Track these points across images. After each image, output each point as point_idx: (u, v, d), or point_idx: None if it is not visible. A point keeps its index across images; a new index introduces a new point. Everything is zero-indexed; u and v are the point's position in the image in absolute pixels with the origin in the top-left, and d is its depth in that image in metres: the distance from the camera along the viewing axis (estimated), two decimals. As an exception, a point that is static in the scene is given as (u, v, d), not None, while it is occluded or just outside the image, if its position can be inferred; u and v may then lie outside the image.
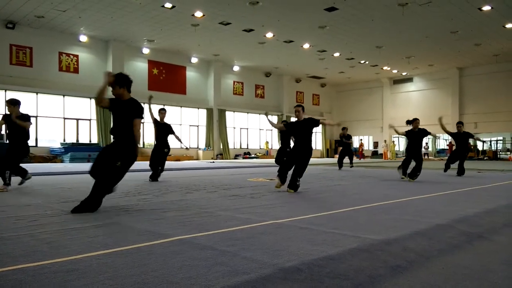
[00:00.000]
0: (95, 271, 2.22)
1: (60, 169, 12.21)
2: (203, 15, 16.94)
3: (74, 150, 18.31)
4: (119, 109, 4.46)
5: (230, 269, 2.26)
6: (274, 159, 11.53)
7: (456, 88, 28.44)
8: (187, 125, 24.84)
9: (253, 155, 27.65)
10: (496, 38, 20.66)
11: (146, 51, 22.20)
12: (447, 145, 28.58)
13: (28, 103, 18.49)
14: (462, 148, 10.14)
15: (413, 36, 20.18)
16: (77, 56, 20.23)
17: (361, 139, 31.87)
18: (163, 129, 8.33)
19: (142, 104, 4.71)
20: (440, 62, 26.42)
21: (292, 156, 6.42)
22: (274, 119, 29.44)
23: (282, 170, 6.41)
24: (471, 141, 10.54)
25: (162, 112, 8.35)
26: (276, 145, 30.17)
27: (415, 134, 8.78)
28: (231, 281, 2.07)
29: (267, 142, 29.56)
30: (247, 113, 28.55)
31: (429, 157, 31.22)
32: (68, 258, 2.48)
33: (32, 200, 5.28)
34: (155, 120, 8.29)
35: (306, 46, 21.89)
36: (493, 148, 29.72)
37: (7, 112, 6.45)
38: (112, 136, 4.48)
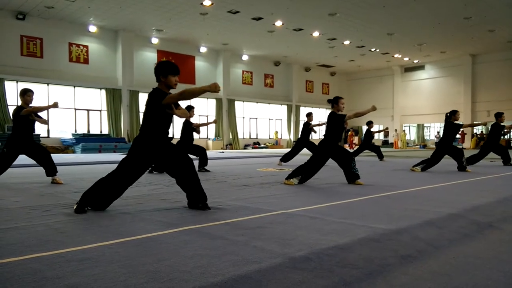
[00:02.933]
0: (108, 260, 2.26)
1: (72, 160, 12.37)
2: (212, 4, 16.83)
3: (85, 140, 18.52)
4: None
5: (240, 258, 2.29)
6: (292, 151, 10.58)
7: (468, 76, 27.96)
8: (197, 115, 24.85)
9: (262, 145, 27.65)
10: (511, 24, 20.19)
11: (155, 41, 22.20)
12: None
13: (39, 94, 18.69)
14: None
15: (425, 22, 19.82)
16: (87, 46, 20.32)
17: (350, 129, 31.39)
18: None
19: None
20: (452, 49, 25.95)
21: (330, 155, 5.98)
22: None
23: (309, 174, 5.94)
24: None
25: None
26: (285, 135, 30.13)
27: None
28: (241, 270, 2.09)
29: (276, 132, 29.51)
30: (257, 102, 28.48)
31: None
32: (81, 247, 2.53)
33: (45, 190, 5.37)
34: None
35: (316, 34, 21.66)
36: (505, 137, 29.26)
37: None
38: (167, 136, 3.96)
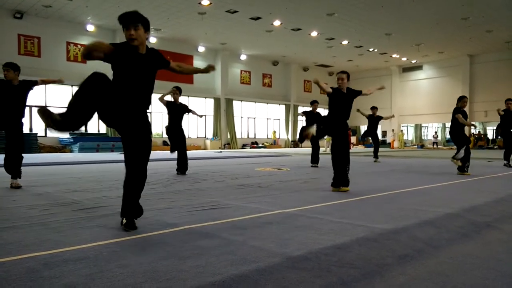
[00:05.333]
0: (105, 260, 2.26)
1: (70, 159, 12.34)
2: (210, 3, 16.81)
3: (83, 140, 18.47)
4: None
5: (238, 258, 2.28)
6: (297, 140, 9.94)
7: (466, 76, 28.02)
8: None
9: (260, 145, 27.65)
10: (508, 24, 20.24)
11: (153, 40, 22.14)
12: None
13: (37, 93, 18.64)
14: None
15: (423, 22, 19.85)
16: (84, 45, 20.23)
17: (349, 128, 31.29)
18: (178, 111, 7.52)
19: None
20: (450, 49, 26.00)
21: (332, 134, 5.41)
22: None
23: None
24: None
25: (176, 92, 7.44)
26: (283, 134, 30.14)
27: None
28: (239, 269, 2.09)
29: (274, 132, 29.51)
30: (255, 102, 28.47)
31: (438, 146, 31.01)
32: (78, 246, 2.52)
33: (42, 189, 5.35)
34: (167, 102, 7.38)
35: (314, 34, 21.66)
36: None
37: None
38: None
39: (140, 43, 3.01)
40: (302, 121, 31.27)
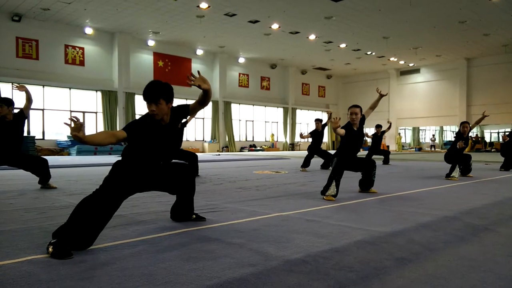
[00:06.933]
0: (103, 263, 2.25)
1: (67, 162, 12.31)
2: (208, 6, 16.84)
3: (81, 142, 18.41)
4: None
5: (236, 261, 2.28)
6: (305, 156, 10.00)
7: (464, 79, 28.13)
8: (193, 117, 24.82)
9: (258, 148, 27.64)
10: (505, 28, 20.36)
11: (151, 43, 22.17)
12: (454, 136, 28.38)
13: (35, 96, 18.61)
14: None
15: (420, 26, 19.93)
16: (82, 48, 20.26)
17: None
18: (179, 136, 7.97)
19: None
20: (448, 53, 26.12)
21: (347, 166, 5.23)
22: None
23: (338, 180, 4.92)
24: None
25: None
26: (281, 137, 30.16)
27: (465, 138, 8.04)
28: (237, 273, 2.09)
29: (272, 135, 29.52)
30: (253, 105, 28.49)
31: (436, 149, 31.07)
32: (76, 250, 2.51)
33: (39, 192, 5.34)
34: None
35: (312, 37, 21.72)
36: (500, 140, 29.43)
37: None
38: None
39: (162, 116, 2.98)
40: (300, 123, 31.35)
